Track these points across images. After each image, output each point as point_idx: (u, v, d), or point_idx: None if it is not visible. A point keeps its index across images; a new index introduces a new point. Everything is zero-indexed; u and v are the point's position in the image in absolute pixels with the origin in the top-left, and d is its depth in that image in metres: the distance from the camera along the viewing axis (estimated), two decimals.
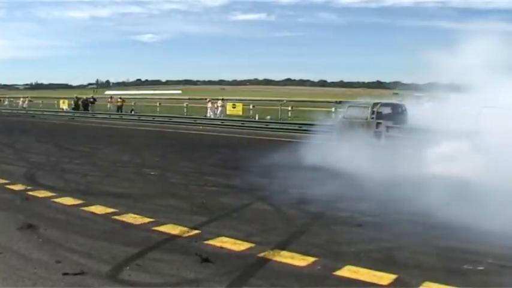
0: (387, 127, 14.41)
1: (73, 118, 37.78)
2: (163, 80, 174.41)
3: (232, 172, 12.70)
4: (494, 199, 7.99)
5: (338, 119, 16.52)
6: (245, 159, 14.90)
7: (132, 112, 39.25)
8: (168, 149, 17.83)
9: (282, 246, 6.41)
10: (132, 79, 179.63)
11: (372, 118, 14.82)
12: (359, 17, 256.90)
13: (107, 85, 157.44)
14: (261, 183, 10.98)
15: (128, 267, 5.58)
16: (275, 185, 10.83)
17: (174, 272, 5.47)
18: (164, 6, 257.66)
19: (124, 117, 36.56)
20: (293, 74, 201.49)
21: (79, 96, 47.08)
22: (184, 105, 39.37)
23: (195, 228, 7.20)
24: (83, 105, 42.93)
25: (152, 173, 12.35)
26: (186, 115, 35.27)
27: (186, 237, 6.84)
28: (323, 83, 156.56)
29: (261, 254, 6.08)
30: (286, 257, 5.99)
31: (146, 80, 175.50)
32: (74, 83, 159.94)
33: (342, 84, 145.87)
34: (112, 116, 36.96)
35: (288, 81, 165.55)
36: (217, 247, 6.40)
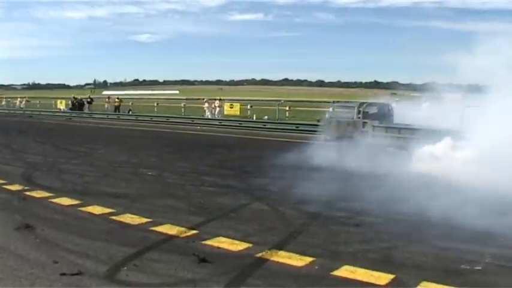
0: (373, 126, 14.56)
1: (70, 118, 37.69)
2: (161, 80, 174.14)
3: (229, 172, 12.69)
4: (472, 197, 8.21)
5: (325, 119, 16.74)
6: (242, 159, 14.92)
7: (130, 112, 39.15)
8: (166, 149, 17.81)
9: (280, 246, 6.41)
10: (129, 79, 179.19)
11: (359, 118, 14.98)
12: (356, 17, 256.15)
13: (105, 85, 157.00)
14: (258, 183, 11.01)
15: (125, 268, 5.58)
16: (272, 185, 10.86)
17: (172, 272, 5.47)
18: (161, 6, 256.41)
19: (121, 117, 36.45)
20: (291, 74, 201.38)
21: (76, 96, 46.96)
22: (182, 105, 39.29)
23: (193, 229, 7.20)
24: (77, 106, 42.71)
25: (149, 173, 12.34)
26: (184, 115, 35.21)
27: (183, 237, 6.83)
28: (321, 83, 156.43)
29: (259, 254, 6.09)
30: (284, 257, 6.00)
31: (144, 80, 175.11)
32: (72, 83, 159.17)
33: (339, 84, 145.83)
34: (109, 116, 36.85)
35: (286, 81, 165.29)
36: (214, 247, 6.40)
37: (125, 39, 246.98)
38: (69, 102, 44.99)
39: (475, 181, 9.24)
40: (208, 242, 6.57)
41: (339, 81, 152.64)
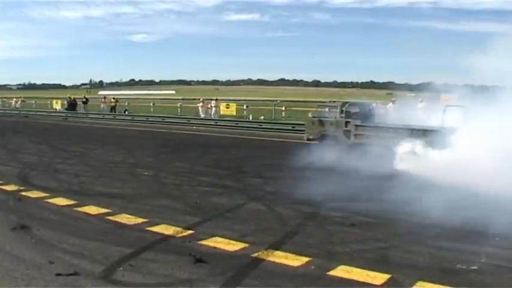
0: (356, 126, 14.66)
1: (66, 118, 37.59)
2: (157, 80, 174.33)
3: (225, 172, 12.68)
4: (447, 194, 8.33)
5: (308, 119, 16.96)
6: (239, 159, 14.92)
7: (126, 112, 39.06)
8: (162, 149, 17.78)
9: (276, 246, 6.41)
10: (125, 79, 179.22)
11: (341, 117, 15.09)
12: (352, 17, 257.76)
13: (100, 85, 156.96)
14: (254, 183, 11.02)
15: (121, 268, 5.57)
16: (269, 184, 10.87)
17: (168, 273, 5.46)
18: (157, 6, 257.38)
19: (117, 117, 36.36)
20: (287, 74, 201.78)
21: (72, 96, 46.81)
22: (178, 105, 39.28)
23: (189, 229, 7.20)
24: (70, 105, 42.48)
25: (145, 173, 12.32)
26: (180, 115, 35.18)
27: (179, 237, 6.83)
28: (317, 83, 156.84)
29: (255, 254, 6.08)
30: (280, 257, 6.00)
31: (140, 80, 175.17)
32: (67, 83, 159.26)
33: (335, 85, 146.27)
34: (105, 116, 36.76)
35: (282, 82, 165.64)
36: (211, 247, 6.40)
37: (121, 39, 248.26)
38: (65, 102, 44.84)
39: (454, 180, 9.39)
40: (205, 242, 6.56)
41: (335, 82, 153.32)
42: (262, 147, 18.92)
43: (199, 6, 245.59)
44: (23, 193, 9.55)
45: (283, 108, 34.03)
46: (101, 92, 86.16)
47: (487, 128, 10.22)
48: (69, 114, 39.22)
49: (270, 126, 26.49)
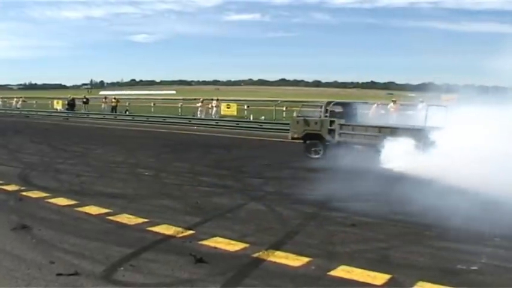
0: (340, 125, 14.74)
1: (67, 118, 37.64)
2: (158, 80, 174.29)
3: (226, 172, 12.69)
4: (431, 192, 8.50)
5: (293, 118, 17.07)
6: (239, 160, 14.92)
7: (127, 112, 39.08)
8: (162, 149, 17.79)
9: (277, 247, 6.41)
10: (126, 79, 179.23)
11: (326, 116, 15.16)
12: (353, 17, 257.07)
13: (101, 85, 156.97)
14: (255, 184, 11.02)
15: (122, 268, 5.58)
16: (269, 185, 10.88)
17: (169, 273, 5.46)
18: (158, 6, 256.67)
19: (118, 117, 36.37)
20: (287, 75, 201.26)
21: (73, 96, 46.82)
22: (179, 105, 39.29)
23: (190, 229, 7.20)
24: (69, 106, 42.42)
25: (146, 174, 12.33)
26: (181, 115, 35.17)
27: (180, 237, 6.83)
28: (317, 84, 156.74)
29: (256, 254, 6.09)
30: (281, 257, 6.00)
31: (140, 81, 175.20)
32: (68, 83, 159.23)
33: (336, 85, 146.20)
34: (106, 117, 36.77)
35: (283, 82, 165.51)
36: (211, 247, 6.40)
37: (121, 40, 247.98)
38: (66, 102, 44.85)
39: (438, 178, 9.53)
40: (205, 242, 6.57)
41: (335, 82, 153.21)
42: (263, 148, 18.92)
43: (200, 6, 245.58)
44: (24, 193, 9.56)
45: (284, 109, 33.95)
46: (101, 92, 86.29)
47: (470, 127, 10.33)
48: (70, 114, 39.25)
49: (270, 127, 26.48)
